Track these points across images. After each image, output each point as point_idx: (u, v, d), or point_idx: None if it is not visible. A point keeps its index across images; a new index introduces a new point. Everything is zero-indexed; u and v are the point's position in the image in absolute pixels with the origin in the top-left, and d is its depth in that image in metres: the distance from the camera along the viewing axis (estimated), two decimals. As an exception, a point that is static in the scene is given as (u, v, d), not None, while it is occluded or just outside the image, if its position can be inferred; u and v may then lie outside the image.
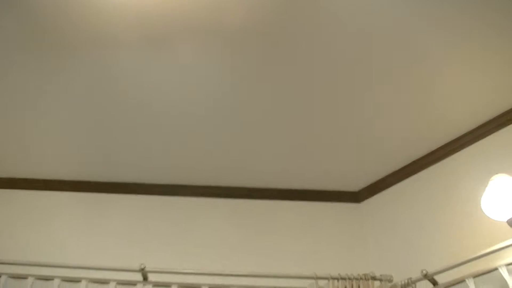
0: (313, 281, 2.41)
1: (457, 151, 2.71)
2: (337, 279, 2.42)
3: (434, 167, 2.81)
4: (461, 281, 2.19)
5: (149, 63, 2.35)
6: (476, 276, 2.15)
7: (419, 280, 2.32)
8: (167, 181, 3.13)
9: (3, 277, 2.46)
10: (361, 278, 2.43)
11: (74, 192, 3.12)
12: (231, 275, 2.51)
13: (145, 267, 2.47)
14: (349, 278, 2.42)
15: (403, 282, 2.38)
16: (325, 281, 2.43)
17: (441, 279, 2.29)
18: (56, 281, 2.50)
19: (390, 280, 2.48)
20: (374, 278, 2.46)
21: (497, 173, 2.22)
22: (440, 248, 2.52)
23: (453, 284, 2.23)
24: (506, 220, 2.18)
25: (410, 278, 2.36)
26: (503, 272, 2.06)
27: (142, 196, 3.12)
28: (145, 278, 2.52)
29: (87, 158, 2.98)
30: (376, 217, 3.00)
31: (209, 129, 2.72)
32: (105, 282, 2.50)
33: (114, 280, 2.51)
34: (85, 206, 3.06)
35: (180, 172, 3.05)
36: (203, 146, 2.84)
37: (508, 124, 2.53)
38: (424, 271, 2.28)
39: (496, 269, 2.10)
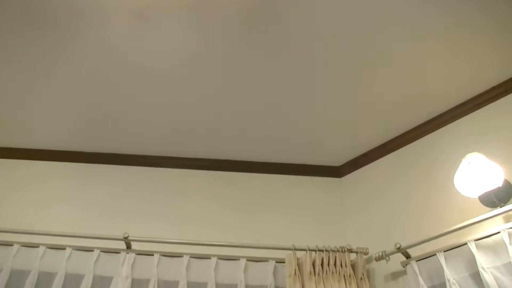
0: (290, 252, 2.49)
1: (436, 129, 2.77)
2: (315, 250, 2.50)
3: (414, 144, 2.86)
4: (433, 255, 2.28)
5: (135, 37, 2.36)
6: (446, 250, 2.24)
7: (392, 253, 2.40)
8: (150, 152, 3.16)
9: (-11, 244, 2.53)
10: (337, 251, 2.51)
11: (59, 162, 3.14)
12: (212, 244, 2.59)
13: (128, 235, 2.53)
14: (326, 250, 2.50)
15: (377, 255, 2.47)
16: (303, 253, 2.50)
17: (413, 252, 2.38)
18: (41, 249, 2.56)
19: (365, 253, 2.56)
20: (350, 251, 2.55)
21: (472, 152, 2.29)
22: (415, 223, 2.59)
23: (425, 258, 2.32)
24: (477, 197, 2.26)
25: (384, 251, 2.45)
26: (472, 247, 2.14)
27: (126, 167, 3.14)
28: (128, 247, 2.58)
29: (73, 128, 2.99)
30: (355, 191, 3.06)
31: (192, 102, 2.74)
32: (89, 249, 2.57)
33: (98, 248, 2.57)
34: (70, 176, 3.09)
35: (164, 144, 3.08)
36: (186, 119, 2.86)
37: (485, 105, 2.59)
38: (397, 245, 2.36)
39: (465, 244, 2.19)
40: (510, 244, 2.03)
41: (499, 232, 2.10)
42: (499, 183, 2.15)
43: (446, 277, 2.16)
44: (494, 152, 2.36)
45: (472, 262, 2.13)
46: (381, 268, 2.59)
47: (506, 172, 2.29)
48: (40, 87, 2.68)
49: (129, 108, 2.81)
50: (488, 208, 2.25)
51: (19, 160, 3.12)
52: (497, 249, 2.09)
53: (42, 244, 2.57)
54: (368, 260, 2.62)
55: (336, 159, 3.19)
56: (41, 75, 2.60)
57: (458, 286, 2.13)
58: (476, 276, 2.11)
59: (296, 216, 2.99)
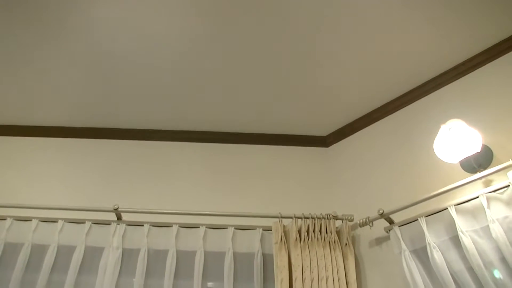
0: (277, 220, 2.55)
1: (419, 98, 2.81)
2: (301, 218, 2.56)
3: (398, 113, 2.90)
4: (414, 220, 2.35)
5: (126, 8, 2.37)
6: (427, 215, 2.31)
7: (376, 219, 2.47)
8: (139, 126, 3.20)
9: (-18, 218, 2.58)
10: (323, 218, 2.58)
11: (50, 138, 3.19)
12: (200, 214, 2.65)
13: (118, 207, 2.59)
14: (312, 218, 2.56)
15: (361, 221, 2.53)
16: (289, 220, 2.57)
17: (396, 218, 2.44)
18: (34, 222, 2.62)
19: (350, 220, 2.62)
20: (335, 218, 2.61)
21: (453, 119, 2.33)
22: (398, 190, 2.65)
23: (407, 223, 2.38)
24: (457, 162, 2.32)
25: (368, 217, 2.51)
26: (452, 211, 2.21)
27: (115, 141, 3.19)
28: (118, 218, 2.64)
29: (63, 105, 3.02)
30: (342, 161, 3.11)
31: (180, 74, 2.76)
32: (80, 222, 2.63)
33: (90, 220, 2.63)
34: (61, 151, 3.13)
35: (152, 118, 3.12)
36: (175, 92, 2.89)
37: (466, 74, 2.63)
38: (380, 211, 2.43)
39: (445, 209, 2.25)
40: (488, 208, 2.09)
41: (478, 197, 2.16)
42: (478, 149, 2.20)
43: (427, 241, 2.23)
44: (475, 119, 2.41)
45: (452, 226, 2.20)
46: (365, 234, 2.66)
47: (486, 138, 2.34)
48: (28, 64, 2.70)
49: (118, 83, 2.83)
50: (468, 174, 2.31)
51: (10, 137, 3.16)
52: (475, 213, 2.16)
53: (35, 218, 2.64)
54: (353, 227, 2.69)
55: (322, 129, 3.23)
56: (27, 50, 2.61)
57: (438, 249, 2.20)
58: (455, 239, 2.17)
59: (283, 185, 3.04)
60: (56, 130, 3.21)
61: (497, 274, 1.99)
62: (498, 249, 2.01)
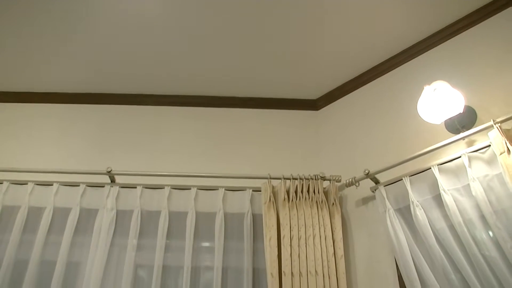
0: (266, 180, 2.62)
1: (406, 61, 2.85)
2: (289, 179, 2.63)
3: (385, 76, 2.94)
4: (399, 179, 2.42)
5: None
6: (412, 175, 2.38)
7: (362, 179, 2.54)
8: (131, 91, 3.24)
9: (-21, 183, 2.64)
10: (311, 178, 2.64)
11: (45, 104, 3.23)
12: (191, 176, 2.72)
13: (111, 169, 2.65)
14: (300, 178, 2.63)
15: (347, 181, 2.60)
16: (278, 181, 2.64)
17: (382, 178, 2.52)
18: (30, 185, 2.69)
19: (338, 180, 2.69)
20: (323, 179, 2.68)
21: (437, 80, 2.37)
22: (384, 151, 2.71)
23: (392, 183, 2.45)
24: (440, 123, 2.37)
25: (354, 177, 2.58)
26: (435, 171, 2.27)
27: (107, 106, 3.23)
28: (112, 180, 2.71)
29: (57, 71, 3.05)
30: (331, 123, 3.16)
31: (171, 38, 2.78)
32: (75, 185, 2.70)
33: (84, 183, 2.70)
34: (55, 116, 3.18)
35: (146, 82, 3.15)
36: (165, 57, 2.92)
37: (451, 37, 2.66)
38: (366, 171, 2.49)
39: (429, 168, 2.31)
40: (469, 167, 2.16)
41: (460, 157, 2.22)
42: (461, 110, 2.25)
43: (410, 200, 2.30)
44: (459, 82, 2.45)
45: (434, 185, 2.26)
46: (352, 194, 2.74)
47: (470, 100, 2.38)
48: (22, 29, 2.72)
49: (109, 48, 2.85)
50: (452, 135, 2.36)
51: (5, 104, 3.21)
52: (458, 173, 2.22)
53: (31, 181, 2.70)
54: (341, 188, 2.76)
55: (312, 93, 3.26)
56: (24, 16, 2.63)
57: (421, 207, 2.27)
58: (438, 198, 2.25)
59: (273, 147, 3.10)
60: (50, 96, 3.25)
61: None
62: (478, 207, 2.08)
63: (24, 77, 3.12)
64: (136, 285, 2.51)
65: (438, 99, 2.27)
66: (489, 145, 2.14)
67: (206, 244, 2.59)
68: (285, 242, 2.41)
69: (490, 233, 2.03)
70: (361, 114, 2.99)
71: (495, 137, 2.08)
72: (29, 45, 2.83)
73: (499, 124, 2.08)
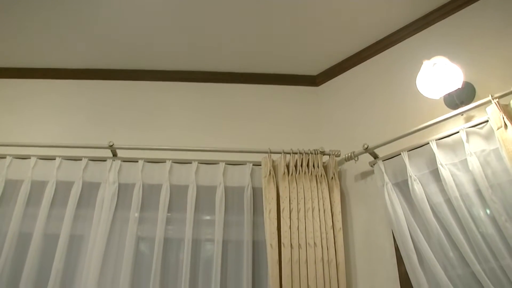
0: (266, 155, 2.66)
1: (406, 38, 2.86)
2: (289, 153, 2.66)
3: (386, 53, 2.95)
4: (397, 154, 2.45)
5: None
6: (410, 150, 2.41)
7: (361, 153, 2.57)
8: (131, 67, 3.25)
9: (-17, 157, 2.67)
10: (311, 153, 2.67)
11: (48, 80, 3.24)
12: (192, 150, 2.75)
13: (113, 144, 2.68)
14: (300, 153, 2.66)
15: (346, 155, 2.63)
16: (278, 155, 2.67)
17: (381, 153, 2.55)
18: (33, 159, 2.72)
19: (337, 155, 2.72)
20: (323, 153, 2.71)
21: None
22: (384, 127, 2.73)
23: (391, 157, 2.49)
24: (439, 98, 2.39)
25: (353, 151, 2.61)
26: (433, 145, 2.31)
27: (111, 81, 3.25)
28: (114, 155, 2.74)
29: (59, 47, 3.06)
30: (331, 99, 3.18)
31: (169, 11, 2.78)
32: (77, 159, 2.73)
33: (86, 157, 2.73)
34: (57, 92, 3.19)
35: (147, 58, 3.16)
36: (166, 33, 2.93)
37: (451, 14, 2.67)
38: (365, 145, 2.52)
39: (427, 143, 2.35)
40: (467, 142, 2.19)
41: (458, 132, 2.25)
42: (459, 85, 2.26)
43: (408, 174, 2.34)
44: (459, 58, 2.44)
45: (432, 160, 2.30)
46: (351, 169, 2.78)
47: (470, 76, 2.40)
48: (24, 3, 2.72)
49: (110, 23, 2.85)
50: (451, 110, 2.38)
51: (8, 79, 3.22)
52: (455, 148, 2.26)
53: (33, 155, 2.73)
54: (340, 163, 2.79)
55: (313, 69, 3.27)
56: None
57: (418, 181, 2.31)
58: (435, 172, 2.28)
59: (273, 123, 3.13)
60: (52, 72, 3.25)
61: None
62: (474, 182, 2.12)
63: (26, 53, 3.12)
64: (138, 258, 2.55)
65: (437, 74, 2.29)
66: (487, 121, 2.16)
67: (207, 217, 2.63)
68: (284, 214, 2.46)
69: (488, 211, 2.06)
70: (361, 90, 3.01)
71: (492, 112, 2.11)
72: (30, 21, 2.84)
73: (497, 100, 2.11)
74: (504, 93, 2.10)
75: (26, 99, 3.15)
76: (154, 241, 2.51)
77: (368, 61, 3.04)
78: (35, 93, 3.18)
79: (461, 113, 2.29)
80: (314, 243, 2.40)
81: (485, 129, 2.18)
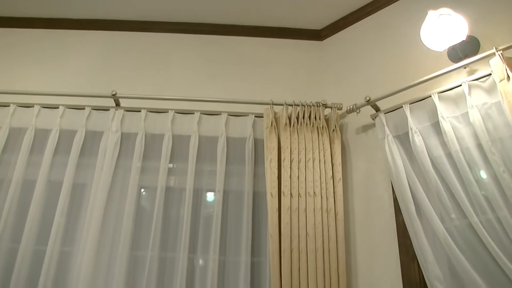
0: (268, 106, 2.66)
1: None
2: (291, 105, 2.67)
3: (390, 7, 2.91)
4: (399, 107, 2.45)
5: None
6: (412, 102, 2.41)
7: (363, 105, 2.58)
8: (136, 18, 3.23)
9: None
10: (313, 105, 2.68)
11: (51, 30, 3.22)
12: (195, 100, 2.76)
13: (116, 93, 2.69)
14: (302, 105, 2.67)
15: (348, 108, 2.64)
16: (280, 107, 2.68)
17: (383, 106, 2.55)
18: (36, 108, 2.73)
19: (339, 108, 2.73)
20: (325, 106, 2.72)
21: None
22: (387, 80, 2.71)
23: (392, 110, 2.49)
24: (443, 50, 2.37)
25: (355, 104, 2.61)
26: (435, 98, 2.31)
27: (115, 32, 3.23)
28: (117, 104, 2.75)
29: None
30: (334, 53, 3.16)
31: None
32: (80, 108, 2.74)
33: (89, 106, 2.74)
34: (62, 42, 3.18)
35: (151, 9, 3.13)
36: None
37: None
38: (367, 98, 2.53)
39: (429, 96, 2.35)
40: (469, 95, 2.19)
41: (460, 85, 2.25)
42: (464, 37, 2.25)
43: (409, 126, 2.35)
44: (464, 11, 2.39)
45: (434, 113, 2.31)
46: (352, 122, 2.79)
47: (474, 30, 2.36)
48: None
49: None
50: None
51: (11, 29, 3.21)
52: (457, 101, 2.26)
53: (37, 104, 2.74)
54: (342, 116, 2.80)
55: (317, 23, 3.24)
56: None
57: (419, 134, 2.32)
58: (436, 125, 2.30)
59: (276, 75, 3.12)
60: (55, 22, 3.23)
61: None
62: (475, 135, 2.13)
63: (29, 2, 3.09)
64: (140, 206, 2.60)
65: (442, 25, 2.26)
66: (490, 74, 2.16)
67: (208, 167, 2.65)
68: (285, 164, 2.49)
69: (485, 173, 2.08)
70: (364, 44, 2.98)
71: (496, 64, 2.10)
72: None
73: (501, 52, 2.10)
74: (508, 45, 2.09)
75: (29, 48, 3.14)
76: (156, 191, 2.54)
77: (373, 15, 3.01)
78: (38, 43, 3.17)
79: (464, 66, 2.28)
80: (314, 192, 2.44)
81: (487, 82, 2.18)
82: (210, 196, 2.63)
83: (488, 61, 2.15)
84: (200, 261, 2.47)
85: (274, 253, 2.32)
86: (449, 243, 2.07)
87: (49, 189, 2.56)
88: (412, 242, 2.21)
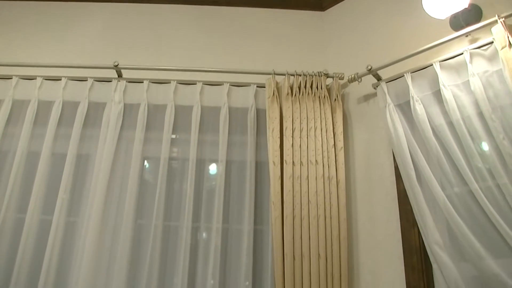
0: (270, 76, 2.67)
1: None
2: (293, 75, 2.68)
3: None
4: (401, 76, 2.46)
5: None
6: (413, 71, 2.42)
7: (364, 74, 2.58)
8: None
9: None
10: (315, 75, 2.69)
11: (52, 2, 3.21)
12: (197, 70, 2.77)
13: (118, 64, 2.69)
14: (304, 75, 2.68)
15: (350, 77, 2.64)
16: (282, 77, 2.69)
17: (384, 75, 2.56)
18: (38, 80, 2.75)
19: (341, 78, 2.73)
20: (327, 75, 2.72)
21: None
22: (389, 49, 2.70)
23: (394, 79, 2.50)
24: (445, 18, 2.37)
25: (357, 73, 2.62)
26: (436, 67, 2.31)
27: (115, 3, 3.21)
28: (119, 75, 2.75)
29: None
30: (336, 23, 3.15)
31: None
32: (83, 79, 2.75)
33: (92, 78, 2.75)
34: (63, 13, 3.18)
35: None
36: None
37: None
38: (369, 67, 2.53)
39: (431, 65, 2.35)
40: (470, 63, 2.20)
41: (462, 54, 2.25)
42: (466, 4, 2.24)
43: (410, 95, 2.36)
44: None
45: (435, 81, 2.32)
46: (354, 92, 2.80)
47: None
48: None
49: None
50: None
51: (13, 1, 3.19)
52: (459, 69, 2.27)
53: (39, 76, 2.75)
54: (344, 86, 2.81)
55: (319, -7, 3.24)
56: None
57: (420, 102, 2.34)
58: (437, 93, 2.31)
59: (278, 46, 3.11)
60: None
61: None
62: (476, 104, 2.14)
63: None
64: (143, 177, 2.63)
65: (444, -7, 2.26)
66: (492, 42, 2.16)
67: (211, 137, 2.67)
68: (287, 133, 2.51)
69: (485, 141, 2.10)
70: (366, 13, 2.97)
71: (497, 32, 2.11)
72: None
73: (503, 19, 2.10)
74: (510, 13, 2.09)
75: (31, 20, 3.14)
76: (159, 161, 2.56)
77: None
78: (40, 15, 3.16)
79: (466, 34, 2.28)
80: (316, 161, 2.47)
81: (489, 50, 2.19)
82: (213, 167, 2.65)
83: (490, 29, 2.14)
84: (204, 229, 2.50)
85: (276, 220, 2.36)
86: (449, 209, 2.10)
87: (54, 160, 2.59)
88: (413, 208, 2.24)
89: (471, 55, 2.22)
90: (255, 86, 2.74)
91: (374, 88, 2.60)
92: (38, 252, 2.40)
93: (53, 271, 2.36)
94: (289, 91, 2.63)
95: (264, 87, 2.70)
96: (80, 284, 2.30)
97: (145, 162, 2.69)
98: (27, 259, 2.38)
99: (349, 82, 2.67)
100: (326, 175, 2.46)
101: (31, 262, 2.39)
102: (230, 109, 2.68)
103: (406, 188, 2.29)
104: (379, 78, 2.58)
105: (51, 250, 2.37)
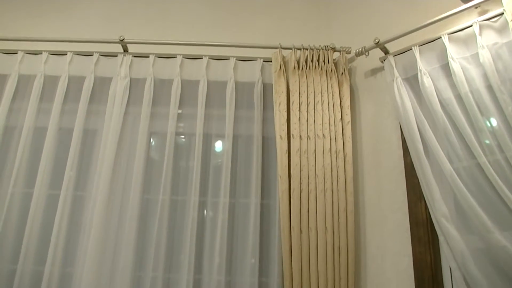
0: (277, 50, 2.65)
1: None
2: (300, 49, 2.66)
3: None
4: (409, 49, 2.44)
5: None
6: (421, 44, 2.40)
7: (372, 48, 2.56)
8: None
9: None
10: (322, 49, 2.67)
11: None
12: (203, 44, 2.75)
13: (124, 38, 2.67)
14: (311, 49, 2.66)
15: (357, 50, 2.62)
16: (289, 51, 2.67)
17: (392, 48, 2.53)
18: (44, 55, 2.74)
19: (348, 52, 2.71)
20: (334, 49, 2.70)
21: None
22: (397, 23, 2.66)
23: (402, 52, 2.48)
24: (454, -8, 2.34)
25: (364, 46, 2.60)
26: (445, 39, 2.29)
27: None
28: (125, 50, 2.74)
29: None
30: (343, -4, 3.13)
31: None
32: (89, 54, 2.74)
33: (98, 52, 2.74)
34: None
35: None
36: None
37: None
38: (376, 39, 2.50)
39: (439, 37, 2.33)
40: (479, 35, 2.17)
41: (471, 26, 2.22)
42: (477, -26, 2.21)
43: (418, 68, 2.34)
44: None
45: (443, 54, 2.29)
46: (361, 66, 2.77)
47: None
48: None
49: None
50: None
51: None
52: (467, 42, 2.24)
53: (45, 51, 2.74)
54: (351, 60, 2.78)
55: (325, -34, 3.19)
56: None
57: (428, 75, 2.31)
58: (445, 67, 2.28)
59: (285, 20, 3.09)
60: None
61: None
62: (485, 76, 2.12)
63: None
64: (150, 152, 2.63)
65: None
66: (502, 13, 2.13)
67: (217, 112, 2.66)
68: (294, 107, 2.50)
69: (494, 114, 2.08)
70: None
71: (508, 2, 2.07)
72: None
73: (514, -11, 2.07)
74: (521, -17, 2.06)
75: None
76: (166, 136, 2.57)
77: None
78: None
79: (476, 6, 2.25)
80: (323, 134, 2.46)
81: (499, 22, 2.15)
82: (219, 142, 2.65)
83: (501, 0, 2.11)
84: (210, 203, 2.51)
85: (283, 193, 2.37)
86: (457, 182, 2.09)
87: (60, 136, 2.60)
88: (420, 181, 2.24)
89: (481, 27, 2.19)
90: (262, 60, 2.72)
91: (382, 61, 2.58)
92: (46, 227, 2.42)
93: (61, 245, 2.38)
94: (296, 65, 2.61)
95: (271, 61, 2.69)
96: (88, 259, 2.33)
97: (152, 137, 2.68)
98: (35, 233, 2.40)
99: (356, 56, 2.65)
100: (333, 149, 2.46)
101: (40, 236, 2.41)
102: (236, 83, 2.67)
103: (413, 161, 2.28)
104: (386, 52, 2.55)
105: (59, 224, 2.39)
